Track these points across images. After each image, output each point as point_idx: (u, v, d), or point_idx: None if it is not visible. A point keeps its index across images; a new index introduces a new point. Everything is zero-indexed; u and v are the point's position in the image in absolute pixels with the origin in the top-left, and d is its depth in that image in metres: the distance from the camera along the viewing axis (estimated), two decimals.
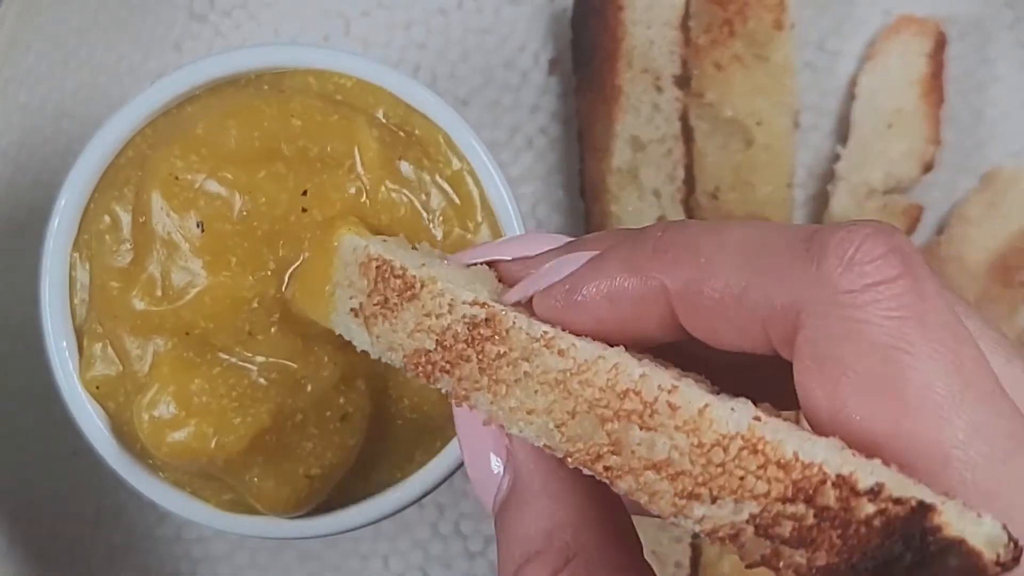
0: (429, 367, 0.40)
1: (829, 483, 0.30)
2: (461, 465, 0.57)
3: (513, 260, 0.43)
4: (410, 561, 0.72)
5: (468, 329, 0.38)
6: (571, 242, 0.42)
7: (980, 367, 0.32)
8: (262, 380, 0.53)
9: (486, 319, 0.38)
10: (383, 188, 0.54)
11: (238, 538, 0.72)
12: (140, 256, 0.54)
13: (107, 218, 0.55)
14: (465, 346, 0.38)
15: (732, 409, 0.33)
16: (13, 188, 0.69)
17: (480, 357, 0.38)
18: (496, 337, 0.37)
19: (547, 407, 0.36)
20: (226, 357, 0.53)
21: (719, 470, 0.32)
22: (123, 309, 0.53)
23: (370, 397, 0.55)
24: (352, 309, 0.45)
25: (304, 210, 0.53)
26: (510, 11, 0.75)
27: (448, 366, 0.39)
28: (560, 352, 0.36)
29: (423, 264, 0.42)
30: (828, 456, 0.31)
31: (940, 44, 0.72)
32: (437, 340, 0.39)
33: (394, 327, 0.41)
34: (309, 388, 0.53)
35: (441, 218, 0.56)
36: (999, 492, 0.31)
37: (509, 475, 0.40)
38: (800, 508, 0.31)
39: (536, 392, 0.36)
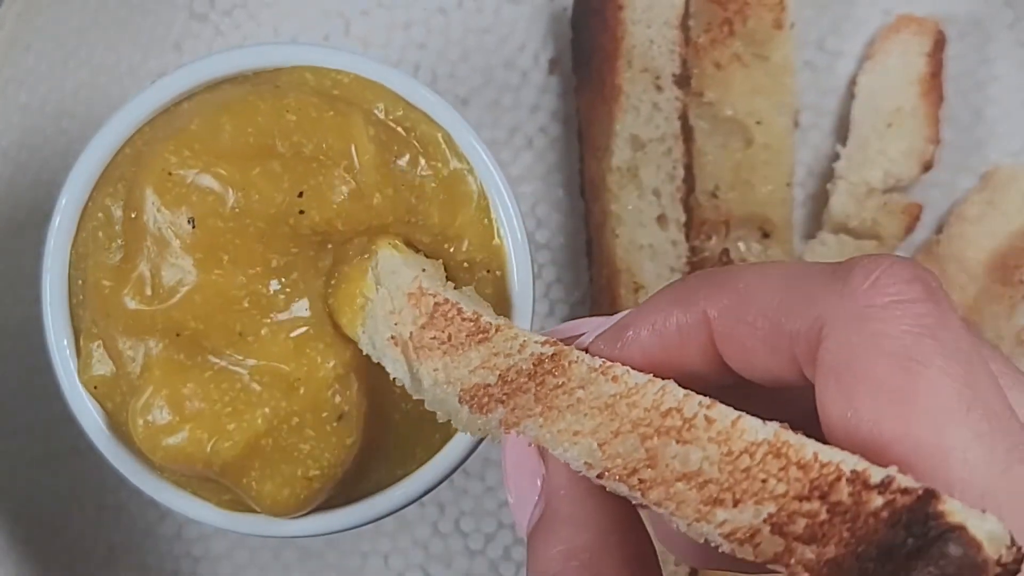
0: (486, 399, 0.43)
1: (844, 479, 0.32)
2: (462, 462, 0.57)
3: (587, 335, 0.44)
4: (410, 559, 0.73)
5: (533, 365, 0.43)
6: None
7: (991, 389, 0.33)
8: (255, 385, 0.53)
9: (552, 355, 0.42)
10: (379, 191, 0.54)
11: (239, 536, 0.72)
12: (131, 253, 0.53)
13: (100, 215, 0.55)
14: (527, 379, 0.42)
15: (763, 421, 0.35)
16: (14, 188, 0.69)
17: (538, 388, 0.42)
18: (557, 370, 0.42)
19: (593, 428, 0.39)
20: (217, 360, 0.53)
21: (743, 475, 0.34)
22: (115, 308, 0.53)
23: (366, 395, 0.54)
24: (392, 336, 0.49)
25: (301, 212, 0.52)
26: (510, 10, 0.75)
27: (505, 397, 0.43)
28: (614, 378, 0.40)
29: (487, 314, 0.47)
30: (845, 457, 0.33)
31: (939, 43, 0.72)
32: (500, 375, 0.43)
33: (456, 363, 0.45)
34: (302, 391, 0.53)
35: (436, 215, 0.55)
36: (996, 497, 0.32)
37: (541, 503, 0.42)
38: (815, 505, 0.33)
39: (585, 415, 0.39)
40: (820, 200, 0.73)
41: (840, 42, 0.75)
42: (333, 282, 0.54)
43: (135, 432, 0.52)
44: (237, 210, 0.51)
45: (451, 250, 0.56)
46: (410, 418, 0.57)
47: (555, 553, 0.40)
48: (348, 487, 0.57)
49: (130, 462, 0.56)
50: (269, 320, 0.53)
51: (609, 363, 0.41)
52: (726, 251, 0.69)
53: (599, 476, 0.38)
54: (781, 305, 0.36)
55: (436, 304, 0.48)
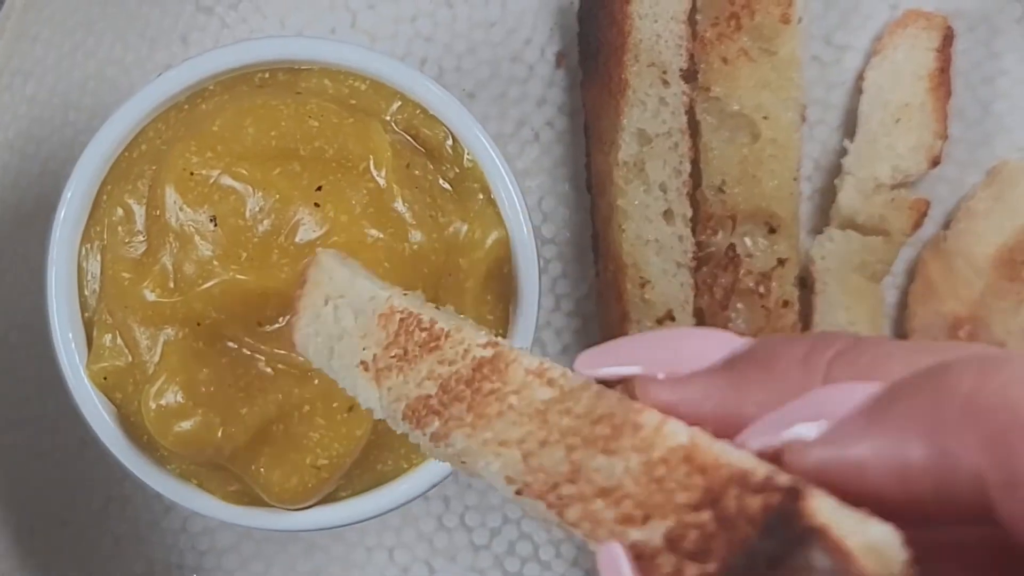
0: (423, 411, 0.39)
1: (733, 483, 0.28)
2: None
3: (657, 382, 0.35)
4: (415, 554, 0.73)
5: (472, 370, 0.38)
6: (743, 354, 0.34)
7: None
8: (269, 370, 0.54)
9: (492, 357, 0.38)
10: (395, 194, 0.55)
11: (244, 530, 0.72)
12: (153, 248, 0.54)
13: (120, 210, 0.56)
14: (464, 387, 0.38)
15: (687, 424, 0.31)
16: (20, 179, 0.69)
17: (474, 395, 0.38)
18: (495, 375, 0.37)
19: (521, 438, 0.35)
20: (235, 347, 0.54)
21: (655, 487, 0.30)
22: (134, 300, 0.54)
23: None
24: (362, 361, 0.44)
25: (316, 205, 0.53)
26: (516, 3, 0.75)
27: (441, 407, 0.39)
28: (550, 382, 0.36)
29: (446, 320, 0.42)
30: (743, 456, 0.29)
31: (948, 38, 0.71)
32: (441, 385, 0.39)
33: (407, 379, 0.41)
34: (316, 380, 0.54)
35: (440, 212, 0.56)
36: None
37: None
38: (705, 515, 0.29)
39: (514, 424, 0.35)
40: (827, 195, 0.73)
41: (848, 37, 0.74)
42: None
43: (147, 417, 0.53)
44: (257, 209, 0.53)
45: (465, 249, 0.57)
46: None
47: None
48: (354, 480, 0.57)
49: (135, 455, 0.56)
50: (289, 311, 0.53)
51: (548, 364, 0.36)
52: (732, 246, 0.69)
53: (517, 493, 0.34)
54: None
55: (401, 319, 0.43)
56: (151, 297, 0.54)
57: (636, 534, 0.30)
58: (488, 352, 0.38)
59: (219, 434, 0.52)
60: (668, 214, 0.69)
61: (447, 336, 0.40)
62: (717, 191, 0.70)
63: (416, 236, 0.54)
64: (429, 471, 0.57)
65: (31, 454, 0.71)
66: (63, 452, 0.71)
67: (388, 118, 0.58)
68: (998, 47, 0.74)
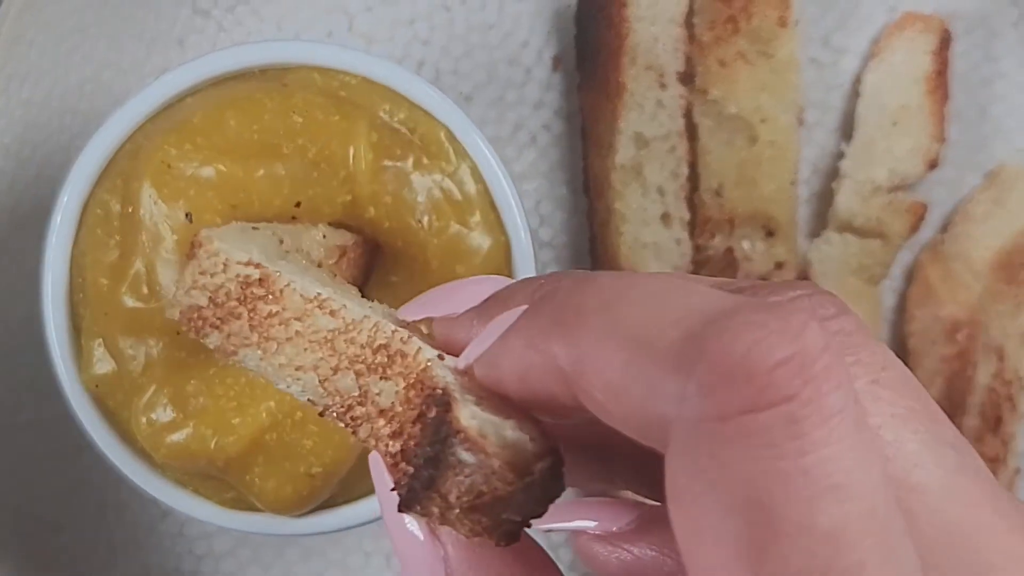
0: (200, 322, 0.42)
1: (431, 399, 0.34)
2: None
3: (439, 320, 0.39)
4: None
5: (241, 288, 0.41)
6: (488, 300, 0.39)
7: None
8: (261, 379, 0.53)
9: (259, 279, 0.41)
10: (373, 203, 0.53)
11: (241, 534, 0.72)
12: (127, 250, 0.53)
13: (99, 211, 0.55)
14: (237, 304, 0.41)
15: (429, 350, 0.36)
16: (15, 184, 0.69)
17: (252, 315, 0.41)
18: (269, 296, 0.40)
19: (315, 363, 0.39)
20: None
21: (408, 406, 0.35)
22: (113, 307, 0.52)
23: None
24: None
25: (293, 218, 0.52)
26: (513, 7, 0.74)
27: (218, 322, 0.42)
28: (332, 312, 0.39)
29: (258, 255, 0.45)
30: (445, 376, 0.35)
31: (945, 41, 0.71)
32: (210, 297, 0.42)
33: (179, 286, 0.44)
34: None
35: (436, 216, 0.55)
36: None
37: None
38: (417, 428, 0.34)
39: (306, 350, 0.39)
40: (825, 198, 0.73)
41: (845, 39, 0.74)
42: None
43: (138, 431, 0.52)
44: (234, 206, 0.51)
45: (461, 256, 0.56)
46: None
47: None
48: (351, 485, 0.57)
49: (131, 461, 0.56)
50: None
51: (325, 294, 0.39)
52: (730, 249, 0.69)
53: (321, 413, 0.38)
54: (628, 386, 0.28)
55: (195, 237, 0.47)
56: (130, 303, 0.52)
57: (396, 446, 0.35)
58: (253, 272, 0.41)
59: (212, 446, 0.51)
60: (666, 217, 0.69)
61: (201, 246, 0.43)
62: (715, 194, 0.69)
63: (397, 241, 0.54)
64: None
65: (25, 459, 0.71)
66: (58, 458, 0.71)
67: (382, 114, 0.56)
68: (996, 50, 0.74)
